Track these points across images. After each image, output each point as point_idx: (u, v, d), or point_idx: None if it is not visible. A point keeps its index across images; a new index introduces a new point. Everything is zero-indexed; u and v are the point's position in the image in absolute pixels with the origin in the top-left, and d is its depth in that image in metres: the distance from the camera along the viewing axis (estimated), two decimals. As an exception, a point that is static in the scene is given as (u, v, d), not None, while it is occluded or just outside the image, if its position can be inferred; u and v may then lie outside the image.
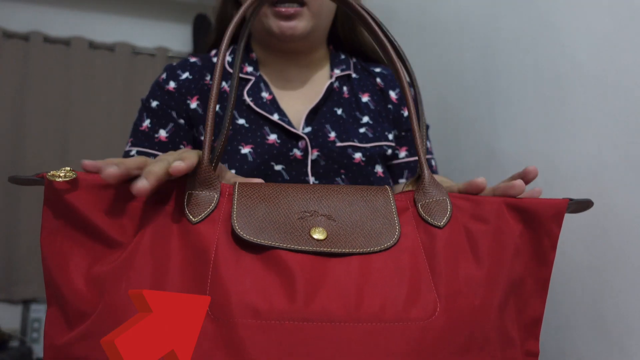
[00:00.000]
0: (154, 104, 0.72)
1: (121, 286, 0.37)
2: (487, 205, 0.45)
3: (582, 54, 0.70)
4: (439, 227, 0.43)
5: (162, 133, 0.71)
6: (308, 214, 0.42)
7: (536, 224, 0.45)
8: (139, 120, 0.72)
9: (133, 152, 0.70)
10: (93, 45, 2.49)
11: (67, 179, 0.39)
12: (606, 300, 0.64)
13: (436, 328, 0.37)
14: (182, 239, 0.39)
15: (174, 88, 0.72)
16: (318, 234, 0.41)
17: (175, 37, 2.69)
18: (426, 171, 0.47)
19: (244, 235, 0.39)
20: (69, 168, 0.40)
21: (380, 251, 0.41)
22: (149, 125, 0.71)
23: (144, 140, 0.70)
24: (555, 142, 0.74)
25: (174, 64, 0.76)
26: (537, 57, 0.79)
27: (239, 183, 0.44)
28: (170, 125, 0.71)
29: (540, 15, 0.78)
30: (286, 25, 0.67)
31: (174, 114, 0.72)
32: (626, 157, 0.62)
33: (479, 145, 0.93)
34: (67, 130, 2.37)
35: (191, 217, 0.40)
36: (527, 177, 0.48)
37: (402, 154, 0.78)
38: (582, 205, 0.48)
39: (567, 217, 0.71)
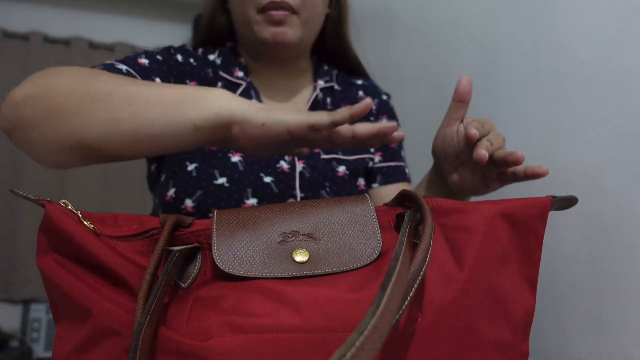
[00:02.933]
0: (159, 56, 0.67)
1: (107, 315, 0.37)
2: (471, 215, 0.44)
3: (582, 54, 0.70)
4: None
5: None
6: (289, 235, 0.42)
7: (522, 226, 0.44)
8: (133, 56, 0.64)
9: (121, 67, 0.60)
10: (93, 45, 2.49)
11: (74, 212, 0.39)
12: (606, 300, 0.64)
13: (418, 335, 0.37)
14: (174, 298, 0.40)
15: (181, 62, 0.70)
16: (300, 256, 0.41)
17: (175, 37, 2.69)
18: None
19: (226, 268, 0.39)
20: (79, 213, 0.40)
21: (363, 266, 0.41)
22: (147, 65, 0.64)
23: (139, 70, 0.62)
24: (555, 142, 0.74)
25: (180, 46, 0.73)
26: (537, 57, 0.79)
27: (217, 212, 0.44)
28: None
29: (540, 14, 0.78)
30: (278, 30, 0.68)
31: (172, 81, 0.68)
32: (626, 157, 0.62)
33: (479, 145, 0.93)
34: (67, 130, 2.37)
35: (181, 284, 0.40)
36: (517, 162, 0.51)
37: (377, 158, 0.78)
38: (566, 202, 0.47)
39: (567, 217, 0.71)
